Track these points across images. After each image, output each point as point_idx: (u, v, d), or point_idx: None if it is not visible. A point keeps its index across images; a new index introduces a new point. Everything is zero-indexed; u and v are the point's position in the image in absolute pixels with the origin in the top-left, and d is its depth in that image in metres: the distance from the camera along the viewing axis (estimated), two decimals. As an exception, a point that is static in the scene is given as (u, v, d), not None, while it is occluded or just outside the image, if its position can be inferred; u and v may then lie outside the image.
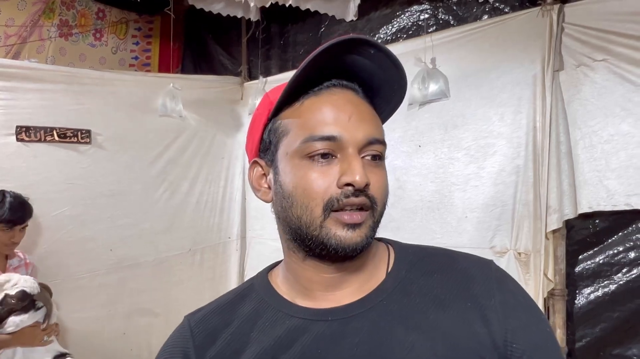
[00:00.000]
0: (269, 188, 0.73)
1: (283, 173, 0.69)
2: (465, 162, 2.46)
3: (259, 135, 0.73)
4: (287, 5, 2.95)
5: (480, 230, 2.40)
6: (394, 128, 2.66)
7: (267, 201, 0.74)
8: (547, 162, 2.17)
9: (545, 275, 2.16)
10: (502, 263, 2.30)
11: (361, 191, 0.65)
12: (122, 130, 2.97)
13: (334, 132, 0.66)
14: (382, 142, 0.69)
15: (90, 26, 3.53)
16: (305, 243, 0.68)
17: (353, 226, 0.66)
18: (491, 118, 2.39)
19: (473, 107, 2.45)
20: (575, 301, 2.16)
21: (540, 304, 2.16)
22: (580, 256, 2.17)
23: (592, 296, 2.12)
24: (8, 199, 2.35)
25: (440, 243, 2.50)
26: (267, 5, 2.96)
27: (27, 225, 2.42)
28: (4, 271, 2.43)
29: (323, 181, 0.65)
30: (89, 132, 2.83)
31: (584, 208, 2.09)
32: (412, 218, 2.59)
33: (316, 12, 2.96)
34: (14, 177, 2.55)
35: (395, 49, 2.76)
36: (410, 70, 2.58)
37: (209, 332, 0.75)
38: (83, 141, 2.81)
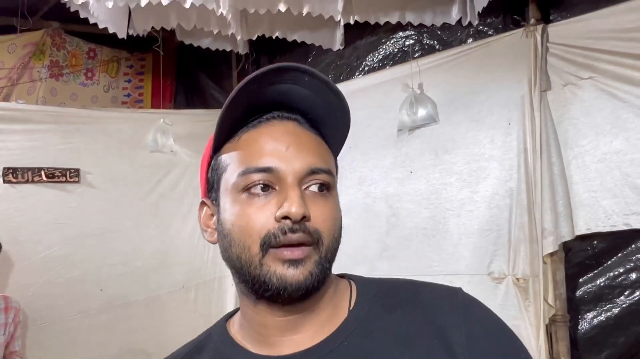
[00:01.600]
0: (216, 229, 0.69)
1: (223, 210, 0.66)
2: (458, 187, 2.42)
3: (205, 174, 0.71)
4: (274, 37, 2.97)
5: (477, 256, 2.33)
6: (385, 155, 2.64)
7: (213, 243, 0.70)
8: (540, 183, 2.13)
9: (545, 300, 2.09)
10: (500, 289, 2.23)
11: (299, 225, 0.61)
12: (111, 168, 2.95)
13: (270, 163, 0.62)
14: (327, 172, 0.65)
15: (81, 66, 3.56)
16: (250, 284, 0.64)
17: (295, 262, 0.61)
18: (481, 141, 2.36)
19: (463, 131, 2.42)
20: (579, 327, 2.08)
21: (542, 332, 2.08)
22: (580, 280, 2.10)
23: (595, 321, 2.03)
24: None
25: (437, 271, 2.44)
26: (254, 38, 2.98)
27: None
28: None
29: (259, 216, 0.62)
30: (77, 170, 2.81)
31: (582, 230, 2.03)
32: (408, 245, 2.53)
33: (303, 42, 2.98)
34: (1, 219, 2.52)
35: (383, 75, 2.76)
36: (398, 96, 2.56)
37: None
38: (72, 180, 2.78)
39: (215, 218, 0.69)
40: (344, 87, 2.89)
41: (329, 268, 0.65)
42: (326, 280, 0.67)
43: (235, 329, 0.72)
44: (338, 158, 0.72)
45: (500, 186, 2.28)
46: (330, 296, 0.69)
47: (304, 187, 0.63)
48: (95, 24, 2.70)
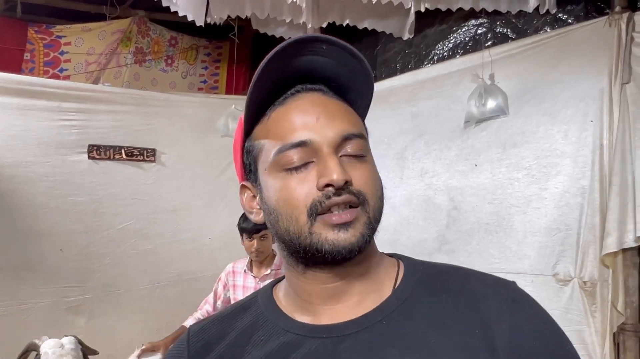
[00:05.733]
0: (261, 209, 0.72)
1: (265, 189, 0.68)
2: (526, 183, 2.31)
3: (240, 159, 0.73)
4: (344, 24, 2.98)
5: (542, 255, 2.23)
6: (450, 147, 2.57)
7: (259, 223, 0.73)
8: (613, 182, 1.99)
9: (614, 307, 1.96)
10: (565, 292, 2.12)
11: (343, 189, 0.62)
12: (185, 149, 3.11)
13: (303, 136, 0.64)
14: (360, 136, 0.66)
15: (163, 53, 3.76)
16: (301, 254, 0.66)
17: (345, 225, 0.62)
18: (554, 136, 2.24)
19: (534, 124, 2.31)
20: (650, 338, 1.93)
21: (608, 340, 1.95)
22: (655, 288, 1.95)
23: (669, 334, 1.88)
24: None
25: (498, 269, 2.36)
26: (324, 26, 3.00)
27: (265, 235, 2.48)
28: (258, 277, 2.57)
29: (302, 187, 0.63)
30: (154, 150, 2.99)
31: (648, 234, 1.88)
32: (469, 241, 2.46)
33: (373, 30, 2.96)
34: (85, 191, 2.75)
35: (452, 65, 2.69)
36: (467, 87, 2.49)
37: (205, 343, 0.75)
38: (148, 159, 2.97)
39: (257, 198, 0.70)
40: (412, 76, 2.87)
41: (376, 229, 0.66)
42: (371, 241, 0.67)
43: (280, 295, 0.75)
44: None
45: (571, 184, 2.16)
46: (374, 266, 0.70)
47: (340, 154, 0.64)
48: (177, 12, 2.84)
